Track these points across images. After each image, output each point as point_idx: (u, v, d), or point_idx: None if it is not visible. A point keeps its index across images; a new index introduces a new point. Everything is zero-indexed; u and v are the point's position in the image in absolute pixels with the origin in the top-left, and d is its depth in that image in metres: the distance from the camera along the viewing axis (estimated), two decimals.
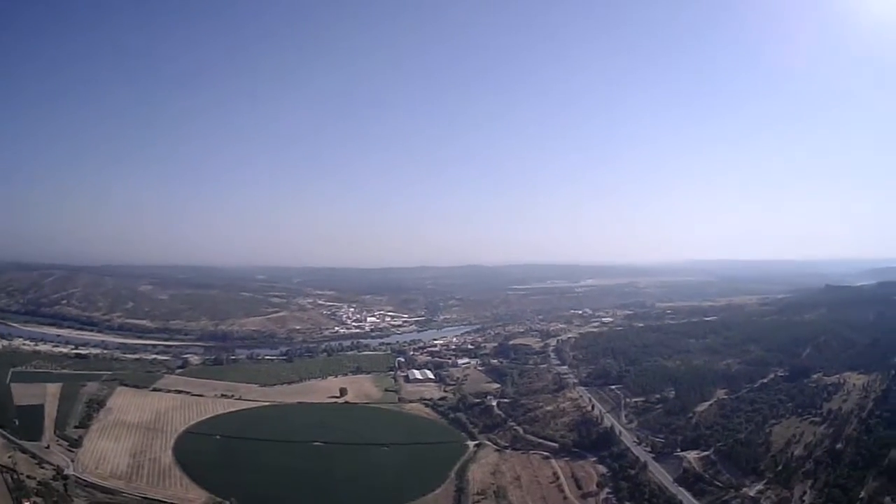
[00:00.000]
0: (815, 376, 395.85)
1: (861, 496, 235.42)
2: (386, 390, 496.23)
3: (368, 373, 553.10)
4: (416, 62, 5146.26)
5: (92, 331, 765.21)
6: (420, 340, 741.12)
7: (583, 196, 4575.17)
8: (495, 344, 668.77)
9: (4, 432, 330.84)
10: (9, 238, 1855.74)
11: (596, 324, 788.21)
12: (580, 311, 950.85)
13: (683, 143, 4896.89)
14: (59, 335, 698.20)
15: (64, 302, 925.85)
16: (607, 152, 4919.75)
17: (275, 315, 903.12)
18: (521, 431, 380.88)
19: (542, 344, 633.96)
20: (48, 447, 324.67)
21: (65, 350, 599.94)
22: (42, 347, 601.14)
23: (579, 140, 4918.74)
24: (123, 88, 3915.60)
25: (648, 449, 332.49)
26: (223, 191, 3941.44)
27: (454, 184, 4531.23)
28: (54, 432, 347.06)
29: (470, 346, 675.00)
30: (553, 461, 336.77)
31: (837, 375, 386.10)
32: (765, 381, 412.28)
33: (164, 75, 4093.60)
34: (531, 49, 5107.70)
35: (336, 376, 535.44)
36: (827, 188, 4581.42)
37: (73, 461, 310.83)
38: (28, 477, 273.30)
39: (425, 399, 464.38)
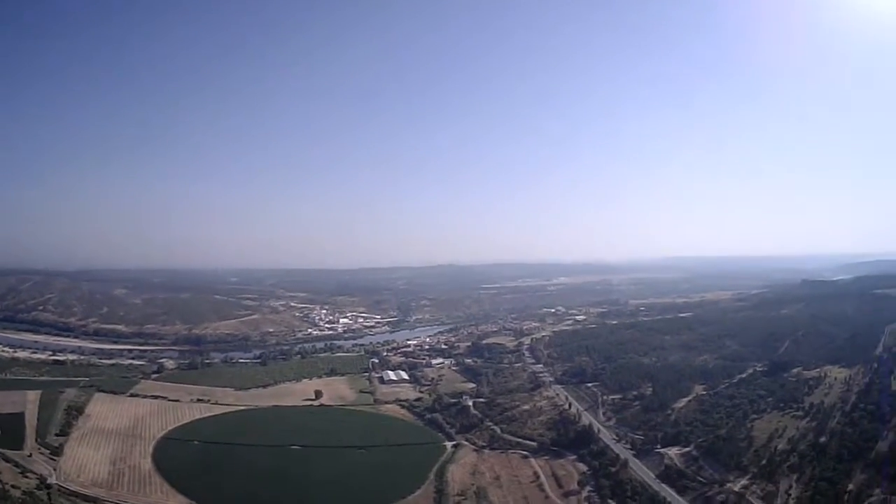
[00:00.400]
0: (794, 371, 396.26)
1: (849, 489, 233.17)
2: (361, 392, 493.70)
3: (343, 374, 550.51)
4: (390, 63, 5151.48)
5: (68, 336, 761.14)
6: (393, 341, 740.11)
7: (554, 195, 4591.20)
8: (469, 343, 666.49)
9: None
10: None
11: (569, 322, 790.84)
12: (553, 310, 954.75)
13: (655, 141, 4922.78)
14: (36, 341, 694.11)
15: (41, 308, 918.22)
16: (576, 150, 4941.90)
17: (248, 318, 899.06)
18: (498, 431, 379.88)
19: (516, 343, 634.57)
20: (30, 455, 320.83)
21: (43, 356, 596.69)
22: (20, 354, 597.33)
23: (548, 138, 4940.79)
24: (100, 96, 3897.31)
25: (628, 446, 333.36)
26: (197, 193, 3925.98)
27: (425, 184, 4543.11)
28: (35, 440, 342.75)
29: (444, 346, 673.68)
30: (532, 460, 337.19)
31: (818, 369, 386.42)
32: (743, 376, 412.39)
33: (142, 80, 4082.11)
34: (506, 46, 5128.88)
35: (310, 379, 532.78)
36: (800, 184, 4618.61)
37: (55, 469, 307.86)
38: (13, 486, 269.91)
39: (401, 400, 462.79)
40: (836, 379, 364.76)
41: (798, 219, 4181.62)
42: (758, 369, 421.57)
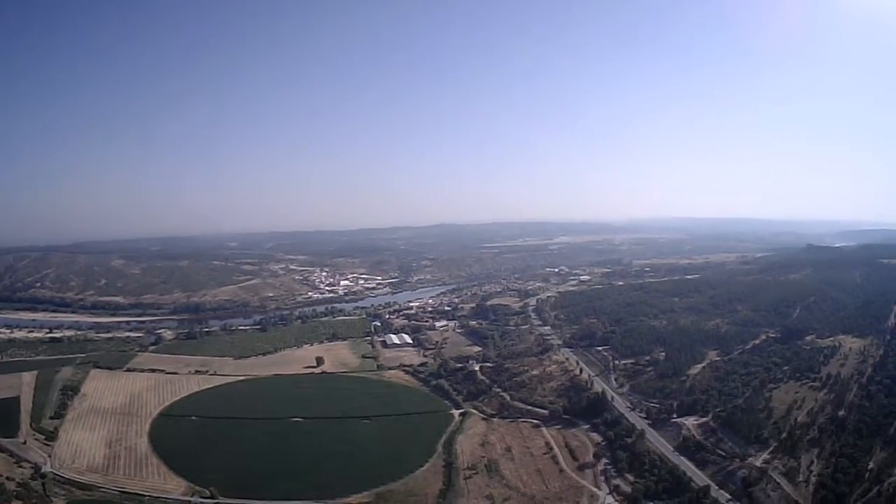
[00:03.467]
0: (808, 338, 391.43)
1: (870, 467, 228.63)
2: (363, 357, 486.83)
3: (344, 339, 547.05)
4: (395, 28, 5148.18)
5: (66, 312, 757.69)
6: (395, 303, 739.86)
7: (552, 153, 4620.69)
8: (473, 305, 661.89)
9: None
10: None
11: (574, 282, 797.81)
12: (556, 269, 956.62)
13: (651, 101, 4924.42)
14: (33, 319, 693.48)
15: (38, 285, 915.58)
16: (576, 111, 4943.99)
17: (247, 283, 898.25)
18: (507, 398, 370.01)
19: (521, 304, 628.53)
20: (25, 443, 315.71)
21: (40, 335, 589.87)
22: (17, 334, 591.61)
23: (548, 100, 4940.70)
24: (95, 69, 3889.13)
25: (643, 415, 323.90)
26: (191, 157, 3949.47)
27: (424, 144, 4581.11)
28: (30, 426, 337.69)
29: (447, 308, 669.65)
30: (544, 430, 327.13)
31: (831, 338, 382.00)
32: (756, 342, 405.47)
33: (137, 53, 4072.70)
34: (513, 17, 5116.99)
35: (311, 344, 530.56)
36: (800, 150, 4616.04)
37: (49, 456, 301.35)
38: (7, 479, 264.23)
39: (405, 365, 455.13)
40: (850, 349, 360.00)
41: (797, 183, 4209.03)
42: (770, 335, 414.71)
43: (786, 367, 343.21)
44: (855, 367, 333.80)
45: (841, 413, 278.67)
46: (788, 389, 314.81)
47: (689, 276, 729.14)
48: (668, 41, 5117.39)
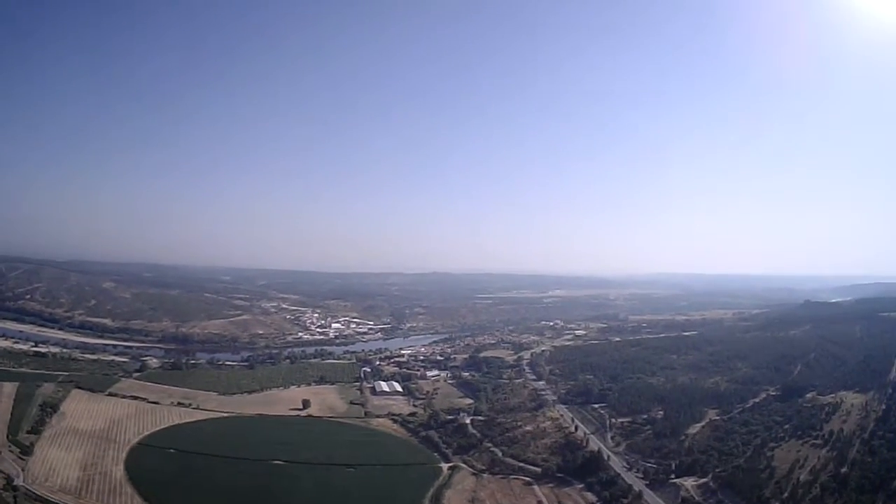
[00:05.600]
0: (809, 396, 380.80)
1: None
2: (351, 403, 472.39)
3: (332, 383, 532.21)
4: (387, 68, 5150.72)
5: (53, 328, 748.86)
6: (386, 349, 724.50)
7: (547, 207, 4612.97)
8: (466, 355, 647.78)
9: None
10: None
11: (569, 336, 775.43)
12: (551, 323, 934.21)
13: (649, 156, 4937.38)
14: (20, 331, 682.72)
15: (28, 297, 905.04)
16: (570, 163, 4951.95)
17: (238, 318, 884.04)
18: (499, 454, 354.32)
19: (515, 357, 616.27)
20: (0, 453, 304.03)
21: (24, 347, 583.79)
22: (2, 343, 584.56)
23: (542, 149, 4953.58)
24: (102, 90, 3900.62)
25: (640, 475, 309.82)
26: (193, 190, 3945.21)
27: (419, 191, 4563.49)
28: (6, 437, 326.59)
29: (439, 357, 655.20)
30: (536, 488, 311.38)
31: (833, 395, 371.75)
32: (757, 400, 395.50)
33: (142, 75, 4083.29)
34: (503, 55, 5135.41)
35: (299, 386, 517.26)
36: (794, 206, 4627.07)
37: (23, 470, 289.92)
38: None
39: (394, 414, 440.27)
40: (852, 405, 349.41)
41: (788, 239, 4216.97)
42: (771, 393, 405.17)
43: (787, 426, 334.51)
44: (857, 422, 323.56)
45: (843, 470, 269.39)
46: (790, 448, 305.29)
47: (686, 333, 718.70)
48: (665, 104, 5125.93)
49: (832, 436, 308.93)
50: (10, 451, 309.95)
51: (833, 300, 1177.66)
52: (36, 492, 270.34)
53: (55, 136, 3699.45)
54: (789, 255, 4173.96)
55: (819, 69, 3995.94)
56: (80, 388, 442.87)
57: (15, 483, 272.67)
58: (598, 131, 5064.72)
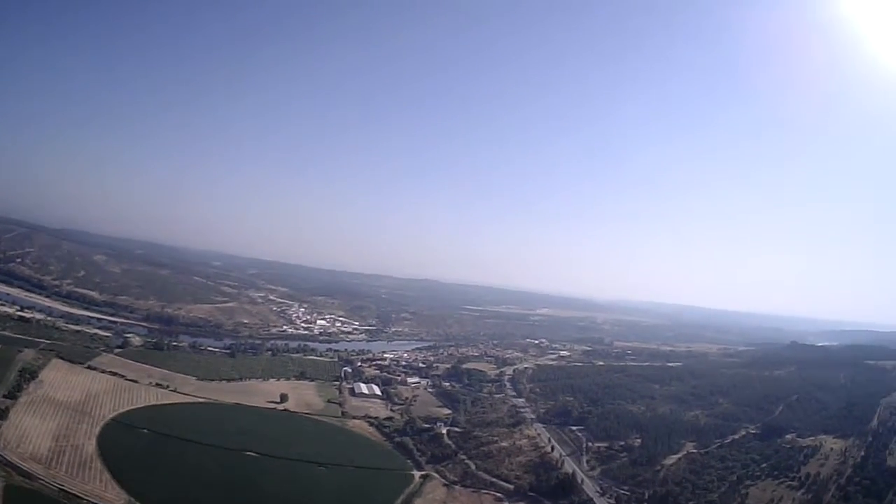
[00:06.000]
0: (788, 437, 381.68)
1: None
2: (329, 401, 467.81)
3: (312, 380, 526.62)
4: (391, 69, 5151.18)
5: (41, 294, 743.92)
6: (369, 351, 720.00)
7: (543, 224, 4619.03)
8: (448, 365, 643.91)
9: None
10: None
11: (553, 356, 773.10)
12: (536, 341, 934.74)
13: (650, 189, 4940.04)
14: (7, 294, 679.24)
15: (18, 260, 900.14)
16: (567, 183, 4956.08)
17: (224, 305, 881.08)
18: (472, 467, 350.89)
19: (497, 371, 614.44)
20: None
21: (10, 310, 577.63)
22: None
23: (543, 165, 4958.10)
24: (119, 55, 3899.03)
25: (612, 501, 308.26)
26: (194, 173, 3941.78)
27: (415, 196, 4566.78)
28: None
29: (421, 365, 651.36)
30: None
31: (812, 438, 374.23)
32: (736, 437, 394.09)
33: (153, 53, 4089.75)
34: (509, 64, 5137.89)
35: (278, 379, 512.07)
36: (785, 245, 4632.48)
37: None
38: None
39: (370, 417, 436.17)
40: (831, 449, 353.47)
41: (782, 279, 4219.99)
42: (751, 431, 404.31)
43: (764, 465, 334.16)
44: (835, 467, 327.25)
45: None
46: (766, 487, 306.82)
47: (670, 364, 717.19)
48: (667, 133, 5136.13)
49: (808, 478, 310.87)
50: None
51: (820, 343, 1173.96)
52: (6, 457, 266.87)
53: (68, 106, 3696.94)
54: (779, 294, 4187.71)
55: (824, 107, 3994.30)
56: (60, 357, 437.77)
57: None
58: (600, 153, 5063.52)
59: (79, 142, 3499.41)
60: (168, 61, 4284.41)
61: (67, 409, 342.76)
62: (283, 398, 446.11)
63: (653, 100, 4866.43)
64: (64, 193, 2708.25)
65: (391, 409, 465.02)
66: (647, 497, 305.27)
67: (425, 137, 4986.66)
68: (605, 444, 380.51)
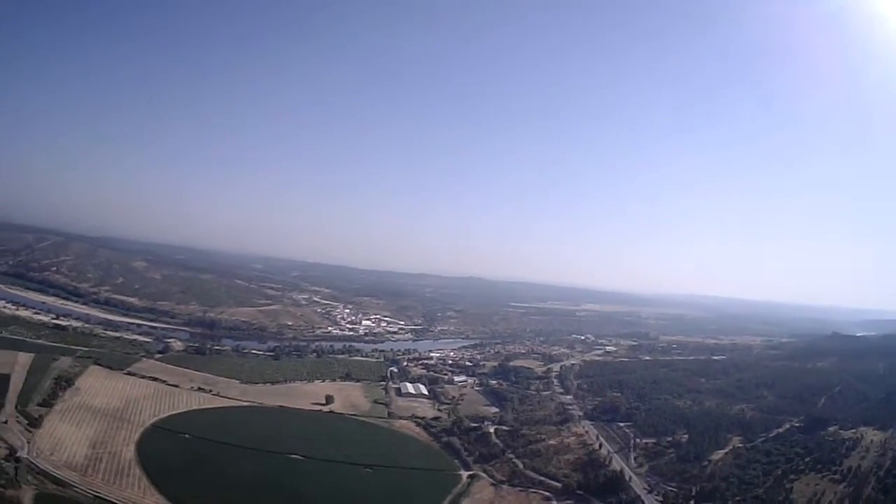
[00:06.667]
0: (831, 429, 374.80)
1: None
2: (375, 402, 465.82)
3: (358, 380, 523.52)
4: (429, 66, 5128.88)
5: (77, 302, 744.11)
6: (415, 350, 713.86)
7: (588, 220, 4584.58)
8: (495, 363, 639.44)
9: None
10: (6, 198, 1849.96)
11: (599, 352, 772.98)
12: (582, 337, 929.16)
13: (690, 180, 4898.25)
14: (43, 302, 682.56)
15: (53, 269, 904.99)
16: (612, 178, 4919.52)
17: (267, 307, 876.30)
18: (520, 466, 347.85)
19: (544, 368, 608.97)
20: (6, 422, 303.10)
21: (45, 318, 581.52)
22: (22, 313, 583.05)
23: (591, 161, 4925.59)
24: (141, 61, 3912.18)
25: (660, 499, 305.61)
26: (231, 175, 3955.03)
27: (460, 194, 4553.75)
28: (15, 407, 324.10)
29: (468, 363, 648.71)
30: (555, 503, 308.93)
31: (853, 430, 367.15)
32: (780, 430, 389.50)
33: (179, 54, 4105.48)
34: (544, 68, 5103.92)
35: (323, 381, 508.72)
36: (825, 237, 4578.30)
37: (28, 442, 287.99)
38: None
39: (417, 417, 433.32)
40: (871, 441, 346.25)
41: (822, 270, 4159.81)
42: (794, 424, 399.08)
43: (808, 458, 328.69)
44: (875, 459, 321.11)
45: None
46: (809, 481, 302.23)
47: (716, 357, 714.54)
48: (702, 133, 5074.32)
49: (850, 471, 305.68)
50: (17, 421, 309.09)
51: (859, 334, 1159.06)
52: (40, 465, 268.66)
53: (103, 115, 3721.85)
54: (819, 285, 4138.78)
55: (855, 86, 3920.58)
56: (98, 364, 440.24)
57: (18, 455, 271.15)
58: (637, 146, 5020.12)
59: (116, 150, 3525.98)
60: (201, 65, 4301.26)
61: (105, 415, 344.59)
62: (329, 400, 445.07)
63: (685, 84, 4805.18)
64: (101, 202, 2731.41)
65: (438, 409, 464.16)
66: (694, 493, 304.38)
67: (465, 135, 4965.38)
68: (653, 441, 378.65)
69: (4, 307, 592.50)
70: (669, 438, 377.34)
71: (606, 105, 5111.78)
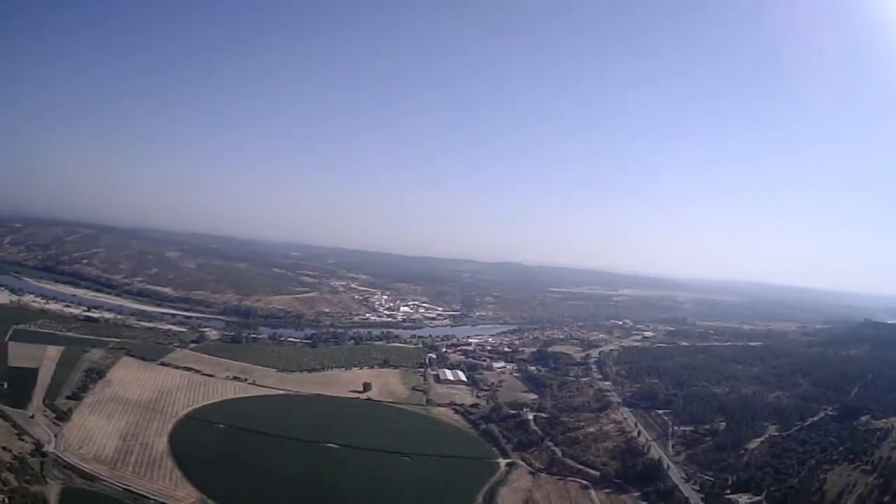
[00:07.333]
0: (863, 418, 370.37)
1: None
2: (413, 389, 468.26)
3: (396, 367, 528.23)
4: (475, 51, 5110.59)
5: (110, 294, 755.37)
6: (454, 336, 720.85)
7: (622, 207, 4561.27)
8: (533, 349, 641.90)
9: None
10: (36, 193, 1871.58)
11: (638, 337, 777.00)
12: (620, 322, 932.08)
13: (724, 164, 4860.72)
14: (73, 295, 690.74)
15: (84, 261, 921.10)
16: (646, 160, 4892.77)
17: (304, 295, 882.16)
18: (559, 453, 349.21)
19: (583, 354, 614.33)
20: (33, 417, 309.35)
21: (76, 311, 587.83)
22: (52, 306, 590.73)
23: (622, 149, 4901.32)
24: (163, 51, 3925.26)
25: (697, 488, 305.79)
26: (265, 162, 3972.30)
27: (498, 180, 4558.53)
28: (43, 401, 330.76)
29: (507, 349, 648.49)
30: (592, 492, 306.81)
31: (885, 420, 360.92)
32: (815, 419, 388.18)
33: (207, 38, 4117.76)
34: (575, 50, 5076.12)
35: (361, 368, 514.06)
36: (855, 222, 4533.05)
37: (56, 436, 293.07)
38: (4, 448, 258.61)
39: (456, 404, 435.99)
40: None
41: (858, 256, 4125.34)
42: (829, 413, 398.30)
43: (841, 448, 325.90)
44: None
45: (886, 499, 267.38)
46: (842, 472, 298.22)
47: (752, 343, 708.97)
48: (738, 115, 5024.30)
49: (880, 462, 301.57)
50: (44, 415, 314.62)
51: (891, 321, 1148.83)
52: (67, 459, 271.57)
53: (138, 108, 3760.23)
54: (855, 272, 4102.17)
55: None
56: (130, 355, 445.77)
57: (45, 449, 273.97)
58: (681, 137, 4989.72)
59: (148, 142, 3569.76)
60: (237, 52, 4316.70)
61: (137, 407, 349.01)
62: (367, 387, 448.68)
63: (730, 61, 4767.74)
64: (133, 195, 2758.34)
65: (477, 396, 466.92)
66: (730, 483, 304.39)
67: (508, 122, 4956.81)
68: (691, 428, 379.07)
69: (33, 301, 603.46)
70: (707, 426, 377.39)
71: (644, 89, 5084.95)
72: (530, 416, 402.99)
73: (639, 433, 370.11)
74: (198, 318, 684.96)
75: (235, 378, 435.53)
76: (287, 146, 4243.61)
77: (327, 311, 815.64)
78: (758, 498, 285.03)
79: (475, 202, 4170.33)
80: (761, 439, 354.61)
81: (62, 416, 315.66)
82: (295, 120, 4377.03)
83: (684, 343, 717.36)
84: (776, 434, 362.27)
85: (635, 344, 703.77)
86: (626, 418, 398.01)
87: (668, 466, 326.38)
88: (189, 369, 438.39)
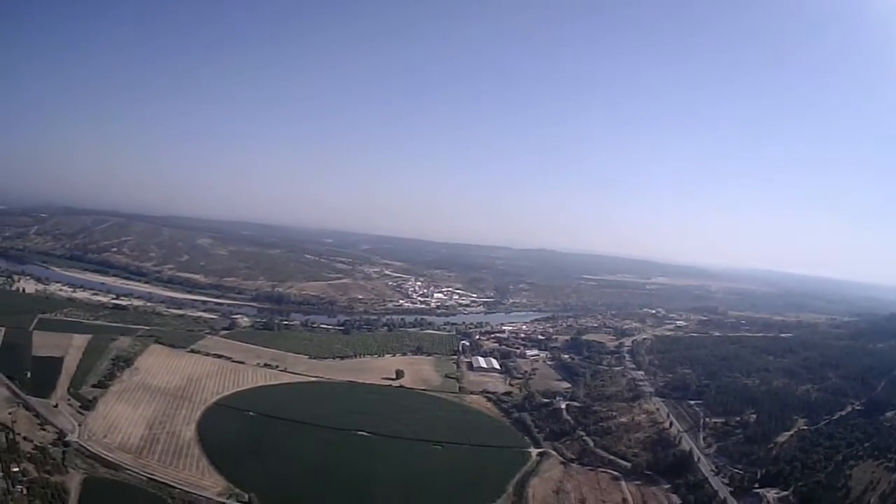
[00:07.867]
0: (889, 414, 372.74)
1: None
2: (446, 377, 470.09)
3: (429, 354, 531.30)
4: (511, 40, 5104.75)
5: (139, 281, 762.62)
6: (487, 323, 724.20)
7: (659, 192, 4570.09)
8: (567, 337, 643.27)
9: (12, 385, 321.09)
10: (63, 182, 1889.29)
11: (671, 326, 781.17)
12: (653, 311, 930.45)
13: (757, 156, 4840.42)
14: (102, 283, 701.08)
15: (114, 249, 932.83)
16: (679, 151, 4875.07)
17: (337, 281, 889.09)
18: (590, 444, 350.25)
19: (616, 343, 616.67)
20: (56, 406, 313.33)
21: (104, 299, 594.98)
22: (79, 295, 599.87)
23: (656, 139, 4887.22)
24: (196, 37, 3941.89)
25: (727, 481, 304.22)
26: (298, 149, 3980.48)
27: (530, 169, 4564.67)
28: (67, 390, 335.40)
29: (540, 337, 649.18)
30: (623, 484, 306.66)
31: None
32: (843, 413, 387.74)
33: (234, 30, 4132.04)
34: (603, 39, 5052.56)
35: (394, 355, 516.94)
36: (882, 213, 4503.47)
37: (79, 425, 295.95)
38: (25, 439, 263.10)
39: (488, 392, 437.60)
40: None
41: (877, 246, 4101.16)
42: (856, 407, 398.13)
43: (867, 444, 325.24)
44: None
45: None
46: (867, 468, 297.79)
47: (783, 335, 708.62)
48: (768, 104, 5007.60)
49: None
50: (69, 404, 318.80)
51: None
52: (90, 448, 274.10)
53: (151, 94, 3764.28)
54: (875, 260, 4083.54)
55: None
56: (159, 342, 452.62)
57: (67, 438, 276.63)
58: (711, 125, 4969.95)
59: (178, 130, 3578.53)
60: (261, 39, 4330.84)
61: (165, 395, 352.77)
62: (399, 374, 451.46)
63: (755, 49, 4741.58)
64: (163, 183, 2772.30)
65: (510, 384, 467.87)
66: (759, 476, 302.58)
67: (548, 111, 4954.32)
68: (722, 420, 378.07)
69: (60, 290, 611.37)
70: (738, 418, 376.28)
71: (678, 78, 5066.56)
72: (563, 405, 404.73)
73: (670, 424, 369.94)
74: (229, 304, 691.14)
75: (266, 365, 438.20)
76: (321, 133, 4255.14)
77: (360, 297, 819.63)
78: (785, 493, 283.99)
79: (510, 189, 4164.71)
80: (790, 433, 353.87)
81: (87, 405, 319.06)
82: (330, 106, 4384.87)
83: (716, 333, 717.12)
84: (805, 428, 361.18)
85: (668, 333, 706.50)
86: (658, 408, 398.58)
87: (699, 458, 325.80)
88: (219, 356, 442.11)
